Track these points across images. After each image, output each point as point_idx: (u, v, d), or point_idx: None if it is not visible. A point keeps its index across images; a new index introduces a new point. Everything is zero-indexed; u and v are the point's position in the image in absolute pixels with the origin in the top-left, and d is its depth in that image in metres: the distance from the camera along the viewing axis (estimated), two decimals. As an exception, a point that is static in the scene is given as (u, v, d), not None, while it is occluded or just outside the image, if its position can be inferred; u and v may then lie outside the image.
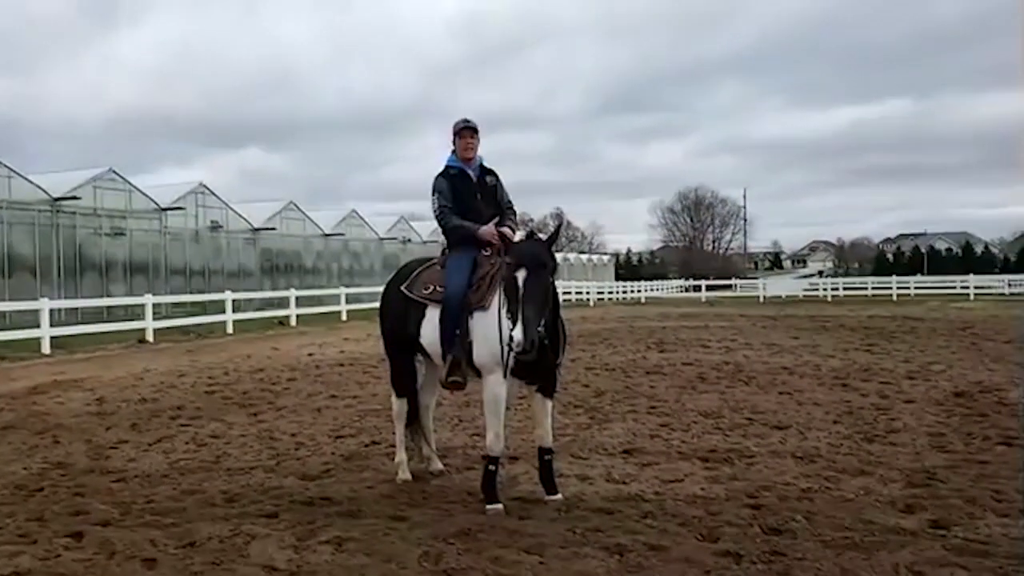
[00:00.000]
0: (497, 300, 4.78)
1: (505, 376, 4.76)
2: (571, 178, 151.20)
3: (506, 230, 5.15)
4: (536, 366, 4.73)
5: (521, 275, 4.46)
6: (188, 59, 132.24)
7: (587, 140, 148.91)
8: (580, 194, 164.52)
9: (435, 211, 5.42)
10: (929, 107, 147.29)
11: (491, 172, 5.58)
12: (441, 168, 5.52)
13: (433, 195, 5.46)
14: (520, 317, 4.36)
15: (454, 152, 5.50)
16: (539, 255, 4.57)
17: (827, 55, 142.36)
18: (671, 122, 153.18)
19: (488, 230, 5.18)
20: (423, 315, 5.27)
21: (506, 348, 4.61)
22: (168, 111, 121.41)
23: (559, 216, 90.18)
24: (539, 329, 4.40)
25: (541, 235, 4.89)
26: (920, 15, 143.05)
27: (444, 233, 5.51)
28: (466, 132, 5.43)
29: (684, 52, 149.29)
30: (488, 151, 5.61)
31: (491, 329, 4.78)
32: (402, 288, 5.45)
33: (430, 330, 5.20)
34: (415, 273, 5.47)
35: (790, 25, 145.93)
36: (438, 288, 5.20)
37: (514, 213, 5.56)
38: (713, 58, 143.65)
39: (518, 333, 4.32)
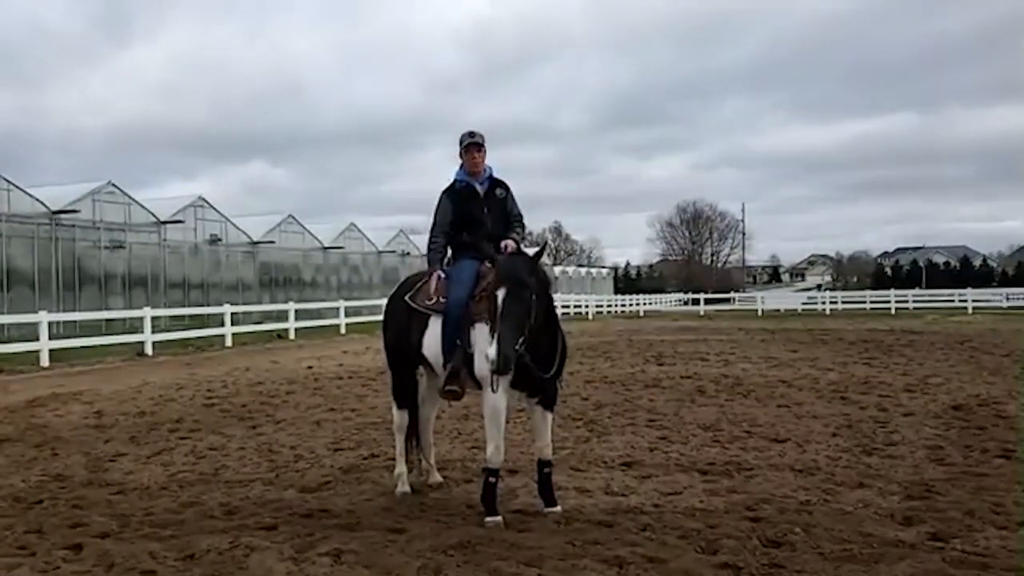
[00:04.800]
0: None
1: (494, 388, 4.68)
2: (572, 191, 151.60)
3: (510, 242, 5.16)
4: (537, 378, 4.74)
5: (501, 293, 4.45)
6: (196, 73, 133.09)
7: (590, 154, 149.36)
8: (581, 207, 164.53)
9: (429, 238, 5.52)
10: (933, 121, 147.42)
11: (501, 184, 5.56)
12: (449, 182, 5.53)
13: (434, 217, 5.50)
14: (496, 335, 4.35)
15: (462, 166, 5.52)
16: (518, 274, 4.54)
17: (832, 69, 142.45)
18: (673, 136, 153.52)
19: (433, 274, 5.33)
20: (426, 325, 5.27)
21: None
22: (174, 124, 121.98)
23: (558, 229, 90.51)
24: (517, 348, 4.38)
25: (528, 250, 4.88)
26: (926, 30, 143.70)
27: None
28: (472, 147, 5.42)
29: (688, 66, 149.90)
30: (491, 164, 5.59)
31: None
32: (406, 298, 5.46)
33: (432, 340, 5.20)
34: (419, 284, 5.48)
35: (795, 39, 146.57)
36: (441, 299, 5.20)
37: (522, 226, 5.56)
38: (717, 72, 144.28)
39: (492, 351, 4.33)
